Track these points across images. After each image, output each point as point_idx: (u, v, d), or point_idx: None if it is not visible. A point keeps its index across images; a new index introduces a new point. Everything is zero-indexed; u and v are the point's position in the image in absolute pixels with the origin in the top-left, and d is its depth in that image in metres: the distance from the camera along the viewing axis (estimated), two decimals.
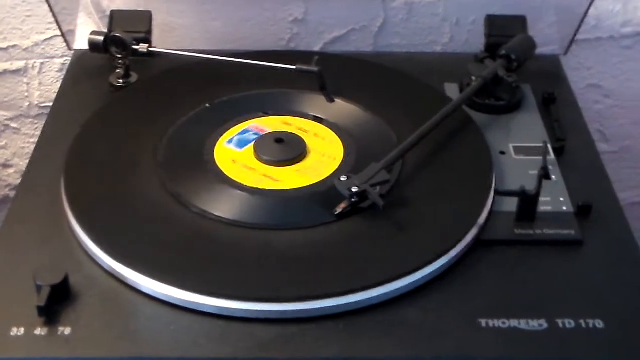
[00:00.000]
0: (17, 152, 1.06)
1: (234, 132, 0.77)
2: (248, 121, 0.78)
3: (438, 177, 0.73)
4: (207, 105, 0.81)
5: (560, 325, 0.61)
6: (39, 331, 0.59)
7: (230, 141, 0.75)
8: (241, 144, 0.75)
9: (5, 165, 1.07)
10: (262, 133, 0.76)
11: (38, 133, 0.81)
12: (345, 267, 0.64)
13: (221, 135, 0.77)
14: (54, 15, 0.90)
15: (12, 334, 0.59)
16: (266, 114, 0.80)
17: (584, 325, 0.61)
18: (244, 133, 0.76)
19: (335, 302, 0.61)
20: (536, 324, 0.61)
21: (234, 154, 0.74)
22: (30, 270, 0.61)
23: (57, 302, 0.60)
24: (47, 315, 0.59)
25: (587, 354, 0.59)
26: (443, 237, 0.66)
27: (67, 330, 0.59)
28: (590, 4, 0.89)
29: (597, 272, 0.66)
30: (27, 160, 0.77)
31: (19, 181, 1.06)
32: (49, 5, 0.89)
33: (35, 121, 1.04)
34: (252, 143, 0.75)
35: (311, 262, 0.64)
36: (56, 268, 0.61)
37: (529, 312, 0.62)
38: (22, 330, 0.59)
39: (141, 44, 0.86)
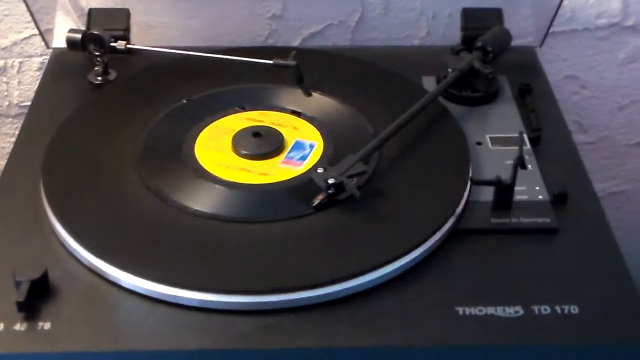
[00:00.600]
0: None
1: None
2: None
3: (415, 168, 0.73)
4: (184, 100, 0.81)
5: (536, 311, 0.62)
6: (18, 326, 0.59)
7: (290, 158, 0.74)
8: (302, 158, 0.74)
9: None
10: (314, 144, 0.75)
11: (18, 132, 0.81)
12: (323, 258, 0.64)
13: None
14: (31, 14, 0.90)
15: None
16: (243, 109, 0.80)
17: (559, 311, 0.62)
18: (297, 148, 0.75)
19: (314, 293, 0.62)
20: (512, 311, 0.62)
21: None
22: (9, 266, 0.61)
23: (37, 298, 0.61)
24: (27, 310, 0.60)
25: (562, 339, 0.60)
26: (420, 227, 0.67)
27: (47, 325, 0.59)
28: None
29: (572, 259, 0.67)
30: None
31: None
32: (26, 4, 0.89)
33: (15, 120, 1.04)
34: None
35: (289, 254, 0.65)
36: (35, 263, 0.61)
37: (505, 299, 0.63)
38: (1, 325, 0.59)
39: (119, 41, 0.86)
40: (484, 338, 0.60)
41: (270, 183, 0.71)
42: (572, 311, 0.62)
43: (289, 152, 0.74)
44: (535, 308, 0.62)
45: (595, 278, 0.65)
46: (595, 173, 0.81)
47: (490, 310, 0.62)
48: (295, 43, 0.99)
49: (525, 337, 0.60)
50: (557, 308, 0.62)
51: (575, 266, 0.66)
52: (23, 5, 0.90)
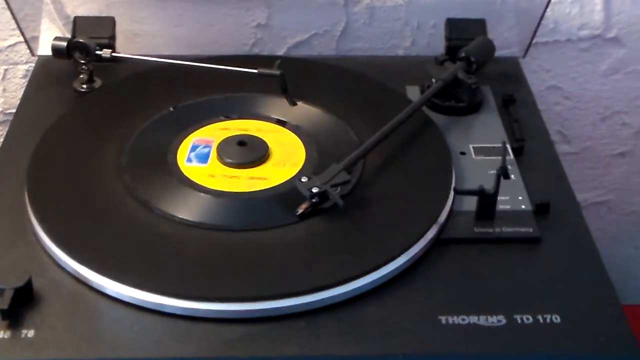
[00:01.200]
0: None
1: (185, 149, 0.76)
2: (197, 131, 0.78)
3: (399, 178, 0.74)
4: (171, 109, 0.81)
5: (519, 320, 0.62)
6: (1, 334, 0.59)
7: (189, 160, 0.74)
8: (202, 158, 0.75)
9: None
10: (210, 144, 0.76)
11: (2, 140, 0.81)
12: (307, 267, 0.65)
13: (184, 138, 0.77)
14: (17, 22, 0.90)
15: None
16: (228, 117, 0.81)
17: (541, 320, 0.62)
18: (195, 149, 0.76)
19: (298, 301, 0.62)
20: (495, 320, 0.62)
21: (201, 169, 0.73)
22: None
23: (21, 305, 0.61)
24: (10, 318, 0.60)
25: (544, 348, 0.61)
26: (403, 236, 0.67)
27: (31, 333, 0.59)
28: (546, 8, 0.91)
29: (554, 268, 0.67)
30: None
31: None
32: (11, 12, 0.89)
33: (0, 128, 1.03)
34: (215, 149, 0.76)
35: (274, 262, 0.65)
36: (20, 271, 0.61)
37: (488, 308, 0.63)
38: None
39: (104, 50, 0.86)
40: (467, 347, 0.61)
41: (255, 191, 0.71)
42: (554, 320, 0.62)
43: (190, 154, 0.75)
44: (518, 317, 0.62)
45: (577, 287, 0.65)
46: (578, 183, 0.81)
47: (473, 319, 0.62)
48: (281, 52, 1.00)
49: (508, 346, 0.61)
50: (539, 317, 0.62)
51: (558, 276, 0.67)
52: (8, 13, 0.90)
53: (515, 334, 0.61)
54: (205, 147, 0.76)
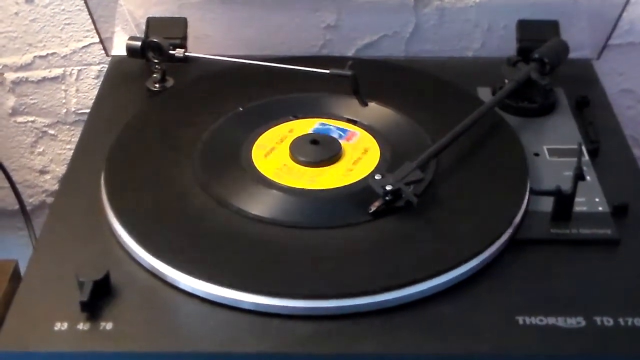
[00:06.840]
0: (54, 158, 1.08)
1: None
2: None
3: (472, 177, 0.73)
4: (240, 108, 0.82)
5: (599, 322, 0.61)
6: (81, 326, 0.60)
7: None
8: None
9: (43, 172, 1.09)
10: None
11: (75, 140, 0.83)
12: (382, 265, 0.64)
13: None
14: (94, 22, 0.92)
15: (55, 328, 0.60)
16: (295, 117, 0.81)
17: (622, 322, 0.61)
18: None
19: (373, 299, 0.62)
20: (574, 322, 0.61)
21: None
22: (72, 267, 0.62)
23: (99, 298, 0.61)
24: (90, 310, 0.61)
25: (627, 352, 0.59)
26: (479, 236, 0.66)
27: (109, 325, 0.60)
28: (623, 9, 0.89)
29: (635, 270, 0.66)
30: (64, 167, 0.79)
31: (55, 187, 1.07)
32: (89, 13, 0.91)
33: (72, 128, 1.05)
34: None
35: (348, 260, 0.65)
36: (98, 264, 0.62)
37: (567, 309, 0.62)
38: (65, 325, 0.60)
39: (177, 49, 0.87)
40: (545, 348, 0.60)
41: (329, 189, 0.71)
42: (637, 323, 0.61)
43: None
44: (598, 319, 0.61)
45: None
46: None
47: (551, 320, 0.61)
48: (349, 53, 1.00)
49: (588, 348, 0.59)
50: (621, 320, 0.61)
51: (639, 278, 0.65)
52: (84, 15, 0.92)
53: (596, 336, 0.60)
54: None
